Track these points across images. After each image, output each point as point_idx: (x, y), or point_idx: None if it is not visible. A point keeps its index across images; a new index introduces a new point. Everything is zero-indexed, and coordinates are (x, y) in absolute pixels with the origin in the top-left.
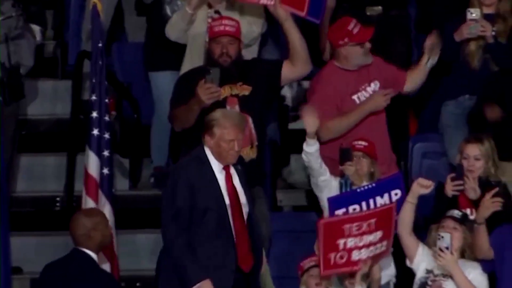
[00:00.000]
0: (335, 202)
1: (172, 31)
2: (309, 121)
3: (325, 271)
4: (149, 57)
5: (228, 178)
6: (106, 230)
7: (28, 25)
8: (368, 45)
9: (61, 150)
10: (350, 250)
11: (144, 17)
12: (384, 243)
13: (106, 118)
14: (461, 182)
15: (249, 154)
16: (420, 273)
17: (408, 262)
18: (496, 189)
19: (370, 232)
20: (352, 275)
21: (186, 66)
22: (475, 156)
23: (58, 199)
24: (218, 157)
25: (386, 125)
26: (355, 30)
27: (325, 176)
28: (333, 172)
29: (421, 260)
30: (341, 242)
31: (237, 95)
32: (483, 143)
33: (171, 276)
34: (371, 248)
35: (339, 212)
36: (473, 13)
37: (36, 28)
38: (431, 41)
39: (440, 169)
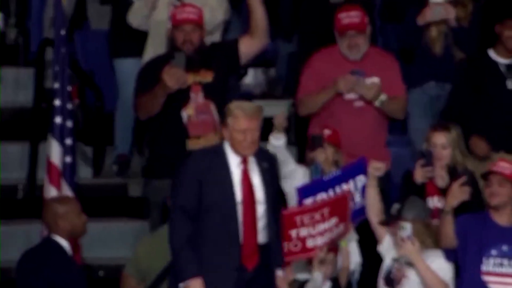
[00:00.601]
0: (303, 191)
1: (134, 18)
2: (278, 116)
3: None
4: (113, 43)
5: (245, 173)
6: (77, 219)
7: None
8: (353, 41)
9: (24, 138)
10: (303, 239)
11: (107, 5)
12: (341, 225)
13: (69, 106)
14: (430, 168)
15: (213, 141)
16: (387, 261)
17: (378, 246)
18: (464, 178)
19: (323, 220)
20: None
21: (148, 54)
22: (442, 145)
23: (20, 187)
24: (234, 149)
25: (379, 116)
26: (343, 21)
27: (291, 166)
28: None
29: (389, 248)
30: (293, 232)
31: (201, 82)
32: (450, 131)
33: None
34: (327, 234)
35: (308, 201)
36: None
37: None
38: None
39: (405, 158)
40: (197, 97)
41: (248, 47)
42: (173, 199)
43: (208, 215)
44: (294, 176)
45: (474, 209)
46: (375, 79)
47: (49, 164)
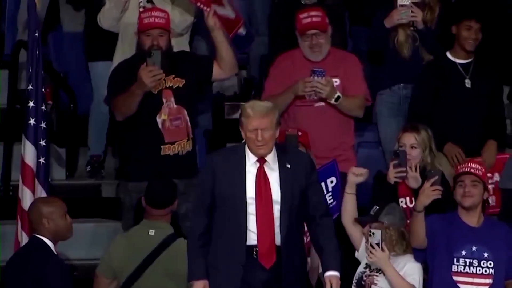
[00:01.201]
0: None
1: (105, 20)
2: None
3: None
4: (88, 46)
5: (260, 171)
6: (61, 220)
7: None
8: (315, 41)
9: None
10: None
11: (80, 8)
12: None
13: (43, 107)
14: (403, 169)
15: (186, 147)
16: (360, 267)
17: (356, 253)
18: (436, 177)
19: None
20: None
21: (117, 56)
22: (412, 145)
23: None
24: (250, 149)
25: (341, 116)
26: (304, 21)
27: None
28: None
29: (363, 252)
30: None
31: (171, 87)
32: (419, 132)
33: None
34: None
35: None
36: None
37: None
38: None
39: (376, 158)
40: (169, 102)
41: (216, 74)
42: (193, 197)
43: (220, 210)
44: None
45: (445, 208)
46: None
47: (23, 165)
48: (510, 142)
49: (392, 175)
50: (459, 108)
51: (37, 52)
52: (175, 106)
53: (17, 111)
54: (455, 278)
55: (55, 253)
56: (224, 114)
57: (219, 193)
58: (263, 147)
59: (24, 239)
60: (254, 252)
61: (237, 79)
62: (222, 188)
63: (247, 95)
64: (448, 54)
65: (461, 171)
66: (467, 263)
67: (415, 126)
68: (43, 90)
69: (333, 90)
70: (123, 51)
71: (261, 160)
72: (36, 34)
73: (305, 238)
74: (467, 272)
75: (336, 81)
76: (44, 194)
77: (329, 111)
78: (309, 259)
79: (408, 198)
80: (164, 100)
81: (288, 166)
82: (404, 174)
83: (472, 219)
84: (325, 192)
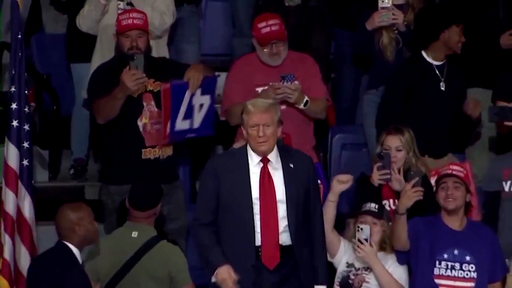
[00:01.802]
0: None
1: (84, 22)
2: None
3: None
4: (70, 48)
5: (264, 171)
6: (91, 225)
7: None
8: (276, 49)
9: None
10: None
11: (62, 10)
12: None
13: (26, 109)
14: (388, 171)
15: (167, 151)
16: (341, 267)
17: (328, 257)
18: (416, 179)
19: None
20: None
21: (96, 58)
22: (397, 147)
23: None
24: (251, 147)
25: (302, 119)
26: (264, 31)
27: None
28: None
29: (342, 255)
30: None
31: (152, 91)
32: (404, 134)
33: None
34: None
35: None
36: (385, 1)
37: None
38: None
39: (360, 160)
40: (150, 106)
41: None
42: (197, 200)
43: (226, 213)
44: None
45: (428, 211)
46: (296, 82)
47: (6, 167)
48: (491, 145)
49: (377, 177)
50: (433, 110)
51: (20, 54)
52: (156, 109)
53: (0, 113)
54: (437, 281)
55: (80, 261)
56: None
57: (224, 196)
58: (264, 144)
59: (7, 241)
60: (259, 253)
61: (220, 81)
62: (227, 190)
63: None
64: (425, 55)
65: (443, 173)
66: (449, 266)
67: (399, 129)
68: (26, 92)
69: (301, 95)
70: (102, 53)
71: (265, 160)
72: (19, 36)
73: None
74: (448, 275)
75: (296, 83)
76: (27, 197)
77: (291, 114)
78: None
79: (391, 200)
80: (144, 104)
81: (291, 165)
82: (389, 176)
83: (455, 222)
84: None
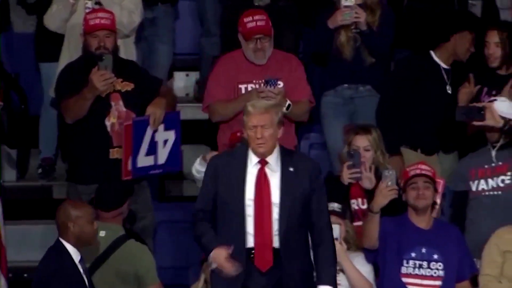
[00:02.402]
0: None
1: (52, 21)
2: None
3: None
4: (39, 47)
5: (260, 173)
6: (87, 226)
7: None
8: (260, 45)
9: None
10: None
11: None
12: None
13: None
14: (358, 169)
15: None
16: None
17: None
18: (391, 178)
19: None
20: None
21: (64, 57)
22: (365, 147)
23: None
24: (251, 148)
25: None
26: (249, 25)
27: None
28: None
29: None
30: None
31: (119, 91)
32: (371, 133)
33: None
34: None
35: None
36: (347, 0)
37: None
38: None
39: (327, 160)
40: (118, 106)
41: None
42: (197, 197)
43: (221, 212)
44: None
45: (398, 209)
46: (280, 84)
47: None
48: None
49: (347, 176)
50: (436, 109)
51: None
52: (124, 109)
53: None
54: (404, 279)
55: (73, 258)
56: None
57: (220, 195)
58: (263, 146)
59: None
60: (251, 255)
61: (189, 80)
62: (223, 189)
63: (199, 96)
64: (433, 55)
65: (413, 173)
66: (417, 265)
67: (366, 128)
68: None
69: (284, 99)
70: (70, 52)
71: (263, 162)
72: None
73: None
74: (416, 274)
75: (280, 84)
76: None
77: None
78: None
79: (360, 200)
80: (112, 104)
81: (291, 169)
82: (359, 175)
83: (422, 221)
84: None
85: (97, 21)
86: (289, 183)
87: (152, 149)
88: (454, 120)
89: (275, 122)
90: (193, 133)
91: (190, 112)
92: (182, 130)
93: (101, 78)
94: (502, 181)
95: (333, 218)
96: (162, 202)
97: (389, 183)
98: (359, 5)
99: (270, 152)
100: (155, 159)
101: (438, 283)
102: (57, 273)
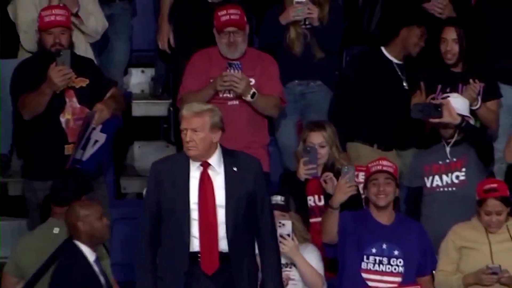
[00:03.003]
0: None
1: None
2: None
3: None
4: None
5: (203, 176)
6: (97, 223)
7: None
8: (233, 39)
9: None
10: None
11: None
12: None
13: None
14: (314, 165)
15: None
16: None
17: None
18: (350, 173)
19: None
20: None
21: (23, 53)
22: (320, 144)
23: None
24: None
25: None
26: (222, 18)
27: None
28: None
29: None
30: None
31: (73, 87)
32: (326, 129)
33: None
34: None
35: None
36: None
37: None
38: None
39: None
40: (72, 102)
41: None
42: (143, 205)
43: (166, 217)
44: None
45: (356, 204)
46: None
47: None
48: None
49: (303, 172)
50: (392, 105)
51: None
52: (78, 106)
53: None
54: (364, 275)
55: (90, 258)
56: (131, 112)
57: (164, 201)
58: (192, 149)
59: None
60: (199, 259)
61: (145, 77)
62: (166, 195)
63: (155, 93)
64: (384, 51)
65: (374, 169)
66: (377, 261)
67: (320, 125)
68: None
69: (248, 86)
70: (26, 47)
71: (205, 164)
72: None
73: None
74: (376, 270)
75: (252, 81)
76: None
77: (242, 110)
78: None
79: (316, 196)
80: (67, 100)
81: (235, 169)
82: (315, 171)
83: (384, 217)
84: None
85: (52, 18)
86: (233, 183)
87: (84, 145)
88: (410, 116)
89: (207, 126)
90: (148, 130)
91: (145, 109)
92: (138, 126)
93: (59, 74)
94: (457, 177)
95: (276, 212)
96: (118, 199)
97: (348, 179)
98: (311, 1)
99: (204, 155)
100: (82, 155)
101: (398, 279)
102: (72, 275)
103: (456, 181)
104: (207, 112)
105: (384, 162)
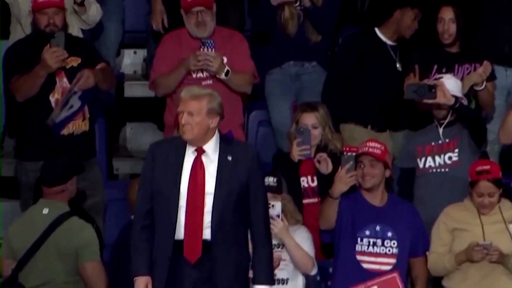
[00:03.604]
0: None
1: None
2: None
3: None
4: None
5: (196, 162)
6: None
7: None
8: (201, 18)
9: None
10: None
11: None
12: None
13: None
14: (307, 146)
15: (81, 126)
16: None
17: None
18: (351, 163)
19: None
20: None
21: (15, 35)
22: (313, 125)
23: None
24: None
25: (230, 95)
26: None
27: None
28: None
29: None
30: None
31: (64, 68)
32: (319, 110)
33: None
34: None
35: None
36: None
37: None
38: None
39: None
40: (62, 82)
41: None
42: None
43: (157, 201)
44: None
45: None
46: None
47: None
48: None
49: (296, 153)
50: (386, 86)
51: None
52: (68, 86)
53: None
54: (359, 257)
55: None
56: (123, 93)
57: (156, 184)
58: (187, 133)
59: None
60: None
61: (137, 58)
62: (158, 178)
63: (147, 74)
64: (378, 32)
65: (360, 151)
66: (371, 243)
67: (313, 106)
68: None
69: (222, 64)
70: (18, 30)
71: (199, 150)
72: None
73: None
74: (370, 252)
75: (224, 59)
76: None
77: (216, 89)
78: None
79: (309, 177)
80: (57, 80)
81: (229, 158)
82: (308, 152)
83: (375, 199)
84: None
85: None
86: (225, 173)
87: (62, 106)
88: (403, 97)
89: (204, 110)
90: (140, 111)
91: (137, 90)
92: (130, 107)
93: (53, 55)
94: (449, 158)
95: (269, 195)
96: (111, 180)
97: (349, 169)
98: None
99: (199, 140)
100: (57, 116)
101: (392, 260)
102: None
103: (448, 162)
104: (205, 97)
105: (371, 144)
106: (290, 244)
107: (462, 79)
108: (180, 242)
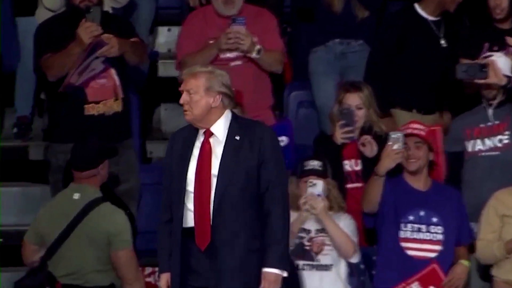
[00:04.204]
0: None
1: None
2: None
3: None
4: (15, 1)
5: (204, 145)
6: None
7: None
8: None
9: None
10: None
11: None
12: None
13: None
14: (351, 128)
15: (113, 107)
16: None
17: None
18: (399, 139)
19: None
20: None
21: (41, 11)
22: (357, 105)
23: None
24: None
25: (258, 76)
26: None
27: None
28: None
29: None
30: None
31: None
32: (363, 90)
33: None
34: None
35: None
36: None
37: None
38: None
39: (316, 119)
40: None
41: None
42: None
43: (172, 192)
44: None
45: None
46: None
47: None
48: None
49: (339, 135)
50: (430, 65)
51: None
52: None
53: None
54: (403, 244)
55: None
56: (157, 72)
57: (173, 171)
58: (187, 113)
59: None
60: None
61: (172, 35)
62: (173, 165)
63: None
64: (418, 8)
65: (403, 133)
66: (415, 229)
67: (357, 86)
68: None
69: (253, 43)
70: (47, 5)
71: (207, 133)
72: None
73: None
74: (415, 238)
75: (255, 38)
76: None
77: (245, 71)
78: None
79: (353, 161)
80: None
81: (237, 138)
82: (352, 134)
83: (419, 183)
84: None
85: None
86: (231, 153)
87: (82, 71)
88: (450, 76)
89: (201, 88)
90: (175, 91)
91: (172, 69)
92: (164, 88)
93: (88, 30)
94: (500, 140)
95: (312, 178)
96: (144, 164)
97: (396, 146)
98: None
99: (203, 121)
100: (77, 80)
101: (438, 247)
102: None
103: (499, 144)
104: (203, 74)
105: (415, 125)
106: (329, 226)
107: None
108: (192, 229)
